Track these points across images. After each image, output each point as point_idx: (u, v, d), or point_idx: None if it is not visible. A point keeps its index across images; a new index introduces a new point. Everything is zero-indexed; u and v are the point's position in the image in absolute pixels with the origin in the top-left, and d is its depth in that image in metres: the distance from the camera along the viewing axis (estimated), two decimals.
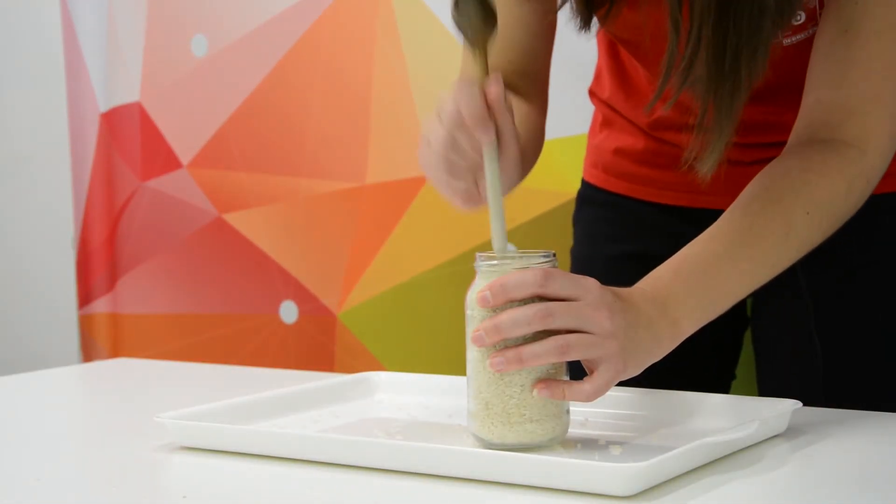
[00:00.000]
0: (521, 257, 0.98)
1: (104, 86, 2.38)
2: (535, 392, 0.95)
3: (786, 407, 1.03)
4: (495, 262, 0.97)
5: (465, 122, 1.01)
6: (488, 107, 1.01)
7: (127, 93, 2.36)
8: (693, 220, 1.30)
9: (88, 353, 2.46)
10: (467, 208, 1.09)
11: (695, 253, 1.04)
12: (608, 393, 0.97)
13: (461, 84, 1.02)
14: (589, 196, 1.46)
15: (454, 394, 1.15)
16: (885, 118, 1.09)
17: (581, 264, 1.45)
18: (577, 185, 1.49)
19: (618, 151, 1.40)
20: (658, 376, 1.04)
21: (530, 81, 1.25)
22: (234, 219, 2.25)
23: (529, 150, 1.20)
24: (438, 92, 1.06)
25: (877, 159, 1.09)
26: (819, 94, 1.10)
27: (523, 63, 1.24)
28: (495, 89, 1.01)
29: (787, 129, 1.14)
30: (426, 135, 1.06)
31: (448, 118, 1.02)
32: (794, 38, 1.16)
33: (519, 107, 1.21)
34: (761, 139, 1.29)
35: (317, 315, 2.16)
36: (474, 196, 1.07)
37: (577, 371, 0.98)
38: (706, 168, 1.07)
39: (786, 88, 1.24)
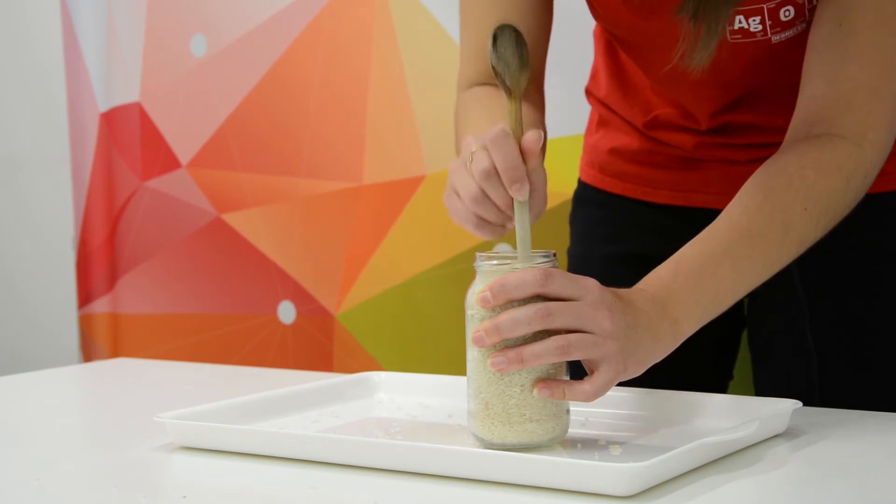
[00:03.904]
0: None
1: (104, 86, 2.38)
2: (535, 392, 0.95)
3: (786, 407, 1.03)
4: (495, 261, 0.97)
5: (499, 177, 1.00)
6: (522, 155, 0.99)
7: (126, 93, 2.36)
8: (689, 220, 1.30)
9: (88, 353, 2.46)
10: (493, 239, 1.09)
11: (693, 252, 1.04)
12: (608, 393, 0.97)
13: (495, 135, 0.99)
14: (585, 196, 1.46)
15: (454, 394, 1.15)
16: (882, 112, 1.09)
17: (577, 264, 1.45)
18: (574, 186, 1.50)
19: (613, 151, 1.40)
20: (656, 377, 1.04)
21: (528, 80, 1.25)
22: (233, 219, 2.25)
23: None
24: (467, 142, 1.03)
25: (874, 153, 1.09)
26: (815, 89, 1.10)
27: None
28: (536, 144, 0.99)
29: (781, 131, 1.14)
30: (454, 183, 1.04)
31: (480, 172, 1.00)
32: (782, 35, 1.16)
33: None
34: (755, 140, 1.29)
35: (315, 315, 2.16)
36: (500, 233, 1.06)
37: (577, 371, 0.98)
38: (697, 60, 1.07)
39: (776, 91, 1.24)
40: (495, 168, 0.99)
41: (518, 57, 1.00)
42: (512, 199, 1.00)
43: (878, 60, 1.08)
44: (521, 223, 1.00)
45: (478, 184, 1.01)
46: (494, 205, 1.02)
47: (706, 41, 1.07)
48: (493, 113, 1.17)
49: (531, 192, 1.00)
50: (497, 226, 1.05)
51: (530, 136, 0.99)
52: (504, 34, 1.00)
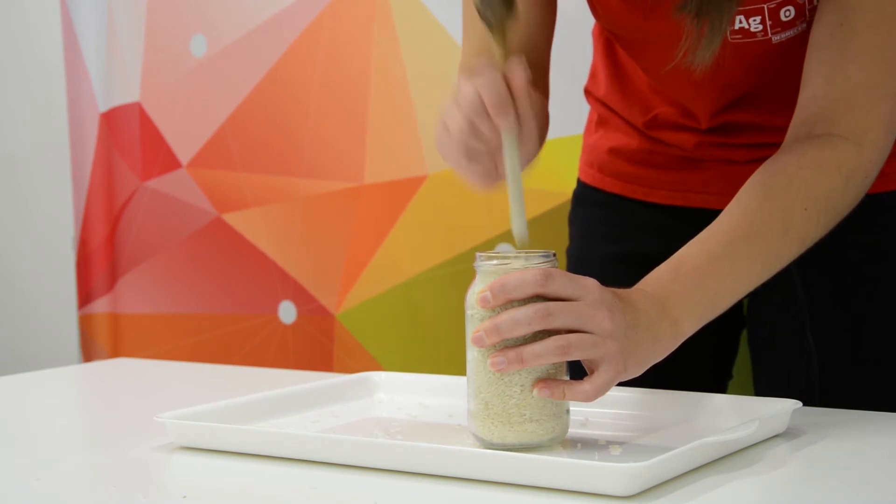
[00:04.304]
0: (521, 257, 0.98)
1: (104, 86, 2.38)
2: (535, 392, 0.95)
3: (786, 407, 1.03)
4: (495, 261, 0.97)
5: (486, 109, 1.01)
6: (510, 91, 1.00)
7: (127, 93, 2.36)
8: (688, 220, 1.30)
9: (88, 353, 2.46)
10: (485, 188, 1.09)
11: (693, 252, 1.04)
12: (608, 393, 0.97)
13: (482, 69, 1.00)
14: (584, 196, 1.46)
15: (454, 394, 1.15)
16: (883, 111, 1.09)
17: (577, 264, 1.45)
18: (574, 186, 1.50)
19: (613, 151, 1.40)
20: (656, 377, 1.04)
21: (534, 71, 1.25)
22: (234, 219, 2.25)
23: (540, 118, 1.20)
24: (454, 79, 1.05)
25: (874, 153, 1.09)
26: (815, 89, 1.10)
27: (526, 53, 1.24)
28: (521, 74, 1.00)
29: (781, 131, 1.14)
30: (444, 120, 1.05)
31: (468, 104, 1.01)
32: (783, 35, 1.16)
33: None
34: (755, 140, 1.29)
35: (315, 315, 2.16)
36: (493, 176, 1.07)
37: (577, 371, 0.98)
38: (700, 59, 1.07)
39: (776, 91, 1.24)
40: (482, 100, 1.00)
41: None
42: (499, 130, 1.01)
43: (878, 60, 1.08)
44: (509, 156, 1.01)
45: (466, 116, 1.01)
46: (483, 137, 1.02)
47: (710, 39, 1.07)
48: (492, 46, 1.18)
49: (520, 126, 1.01)
50: (488, 163, 1.05)
51: (518, 73, 1.00)
52: None
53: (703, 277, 1.02)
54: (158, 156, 2.34)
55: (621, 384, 1.00)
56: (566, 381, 0.96)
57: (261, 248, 2.23)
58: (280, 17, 2.16)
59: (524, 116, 1.02)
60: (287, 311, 2.20)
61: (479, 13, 1.01)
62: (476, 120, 1.01)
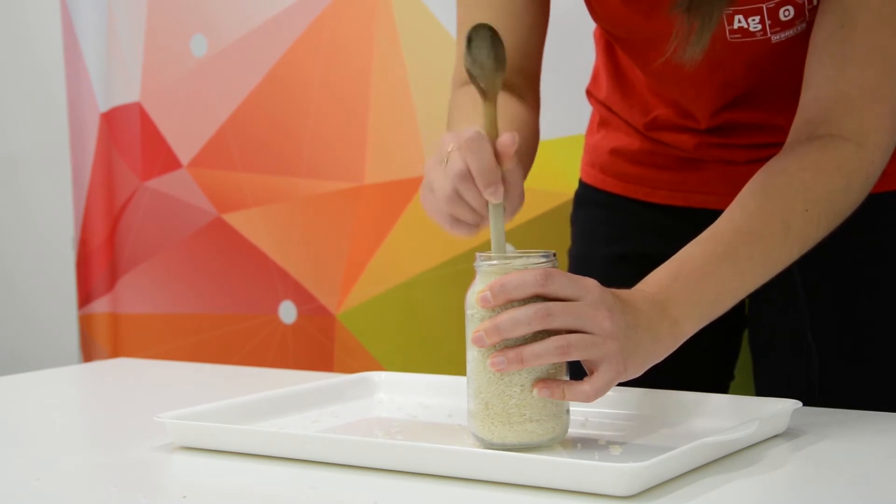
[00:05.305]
0: (521, 257, 0.98)
1: (104, 86, 2.38)
2: (535, 392, 0.95)
3: (786, 407, 1.03)
4: (495, 262, 0.97)
5: (472, 179, 0.99)
6: (497, 157, 0.99)
7: (127, 93, 2.36)
8: (689, 220, 1.30)
9: (88, 353, 2.46)
10: (467, 237, 1.09)
11: (694, 253, 1.04)
12: (608, 393, 0.97)
13: (470, 138, 0.99)
14: (586, 196, 1.46)
15: (454, 394, 1.15)
16: (884, 113, 1.09)
17: (578, 264, 1.45)
18: (575, 186, 1.50)
19: (614, 151, 1.40)
20: (656, 377, 1.04)
21: (524, 79, 1.25)
22: (234, 219, 2.25)
23: (527, 152, 1.20)
24: (441, 136, 1.03)
25: (876, 155, 1.09)
26: (817, 91, 1.10)
27: (517, 60, 1.24)
28: (510, 143, 0.99)
29: (780, 131, 1.14)
30: (430, 181, 1.04)
31: (454, 174, 1.00)
32: (782, 35, 1.16)
33: (514, 107, 1.20)
34: (754, 140, 1.29)
35: (316, 315, 2.16)
36: (476, 232, 1.06)
37: (577, 371, 0.98)
38: (690, 54, 1.07)
39: (776, 90, 1.24)
40: (469, 171, 0.99)
41: (493, 58, 0.99)
42: (486, 200, 1.00)
43: (879, 61, 1.08)
44: (495, 225, 1.01)
45: (452, 185, 1.01)
46: (469, 205, 1.02)
47: (699, 36, 1.07)
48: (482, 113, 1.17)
49: (506, 192, 1.00)
50: (472, 223, 1.04)
51: (505, 140, 0.99)
52: (479, 35, 0.99)
53: (703, 278, 1.02)
54: (158, 156, 2.34)
55: (621, 384, 1.00)
56: (566, 381, 0.96)
57: (261, 248, 2.23)
58: (280, 17, 2.16)
59: (511, 186, 1.01)
60: (287, 311, 2.20)
61: (469, 75, 1.00)
62: (462, 189, 1.00)
